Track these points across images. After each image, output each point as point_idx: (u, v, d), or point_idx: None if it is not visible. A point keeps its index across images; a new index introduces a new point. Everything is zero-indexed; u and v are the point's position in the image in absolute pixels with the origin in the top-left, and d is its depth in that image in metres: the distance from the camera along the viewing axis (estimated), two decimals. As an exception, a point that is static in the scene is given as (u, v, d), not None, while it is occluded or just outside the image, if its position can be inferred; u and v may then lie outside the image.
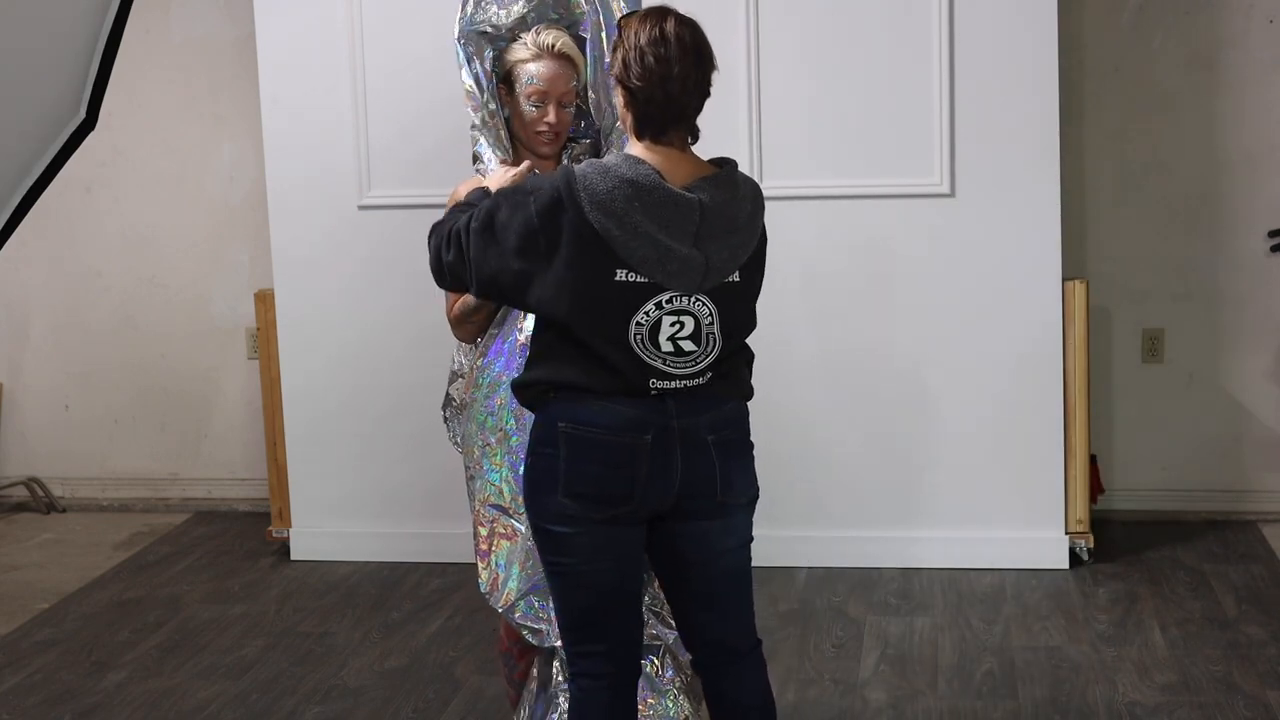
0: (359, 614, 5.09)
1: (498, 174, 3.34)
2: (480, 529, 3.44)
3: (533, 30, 3.41)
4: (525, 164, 3.36)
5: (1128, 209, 5.65)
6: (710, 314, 2.95)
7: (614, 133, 3.46)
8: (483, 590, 3.45)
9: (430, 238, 3.11)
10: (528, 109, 3.39)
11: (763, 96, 5.18)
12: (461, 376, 3.51)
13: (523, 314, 3.31)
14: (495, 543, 3.41)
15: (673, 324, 2.93)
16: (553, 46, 3.38)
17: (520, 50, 3.40)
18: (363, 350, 5.49)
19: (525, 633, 3.41)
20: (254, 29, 5.46)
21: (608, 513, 2.97)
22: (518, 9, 3.43)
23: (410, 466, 5.50)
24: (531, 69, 3.38)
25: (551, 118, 3.40)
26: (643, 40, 2.92)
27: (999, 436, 5.24)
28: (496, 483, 3.39)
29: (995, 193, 5.14)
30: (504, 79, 3.43)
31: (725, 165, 2.99)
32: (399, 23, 5.30)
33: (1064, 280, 5.16)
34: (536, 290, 2.92)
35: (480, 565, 3.45)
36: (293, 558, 5.63)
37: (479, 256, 2.97)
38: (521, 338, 3.32)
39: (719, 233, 2.92)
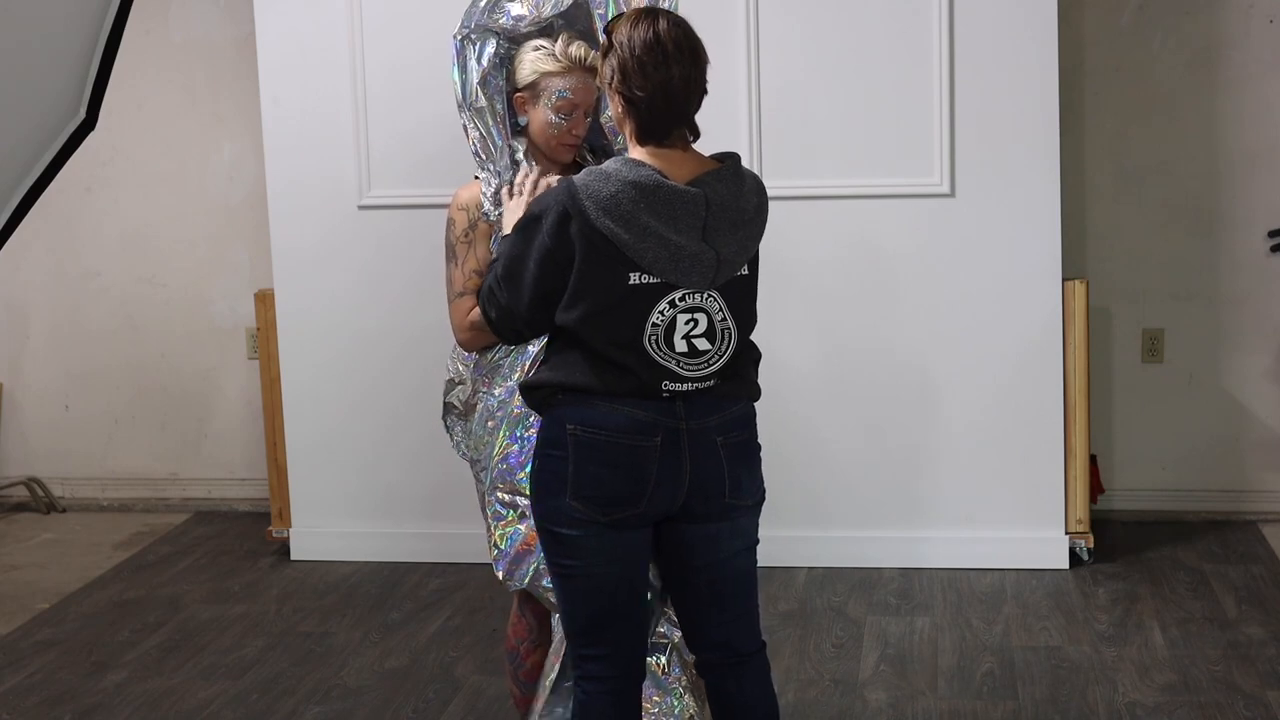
0: (359, 614, 5.08)
1: (513, 207, 3.32)
2: (491, 519, 3.46)
3: (559, 40, 3.36)
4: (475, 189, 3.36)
5: (1128, 209, 5.65)
6: (721, 309, 2.95)
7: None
8: (499, 571, 3.46)
9: (480, 305, 3.15)
10: (556, 121, 3.35)
11: (763, 96, 5.18)
12: (460, 384, 3.51)
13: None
14: (508, 526, 3.43)
15: (687, 322, 2.93)
16: (584, 60, 3.34)
17: (547, 61, 3.34)
18: (363, 350, 5.49)
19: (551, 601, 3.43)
20: (254, 29, 5.46)
21: (616, 515, 2.96)
22: (543, 13, 3.38)
23: (410, 466, 5.50)
24: (564, 83, 3.33)
25: (580, 130, 3.38)
26: (638, 47, 2.90)
27: (999, 436, 5.24)
28: (503, 468, 3.41)
29: (995, 193, 5.14)
30: (526, 88, 3.37)
31: (728, 160, 2.98)
32: (399, 22, 5.30)
33: (1064, 280, 5.16)
34: (560, 305, 2.94)
35: (494, 551, 3.46)
36: (293, 558, 5.63)
37: (514, 301, 2.99)
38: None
39: (727, 226, 2.92)
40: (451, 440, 3.60)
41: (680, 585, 3.12)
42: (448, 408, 3.57)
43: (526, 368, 3.38)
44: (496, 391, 3.42)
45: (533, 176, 3.33)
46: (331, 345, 5.51)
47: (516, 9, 3.38)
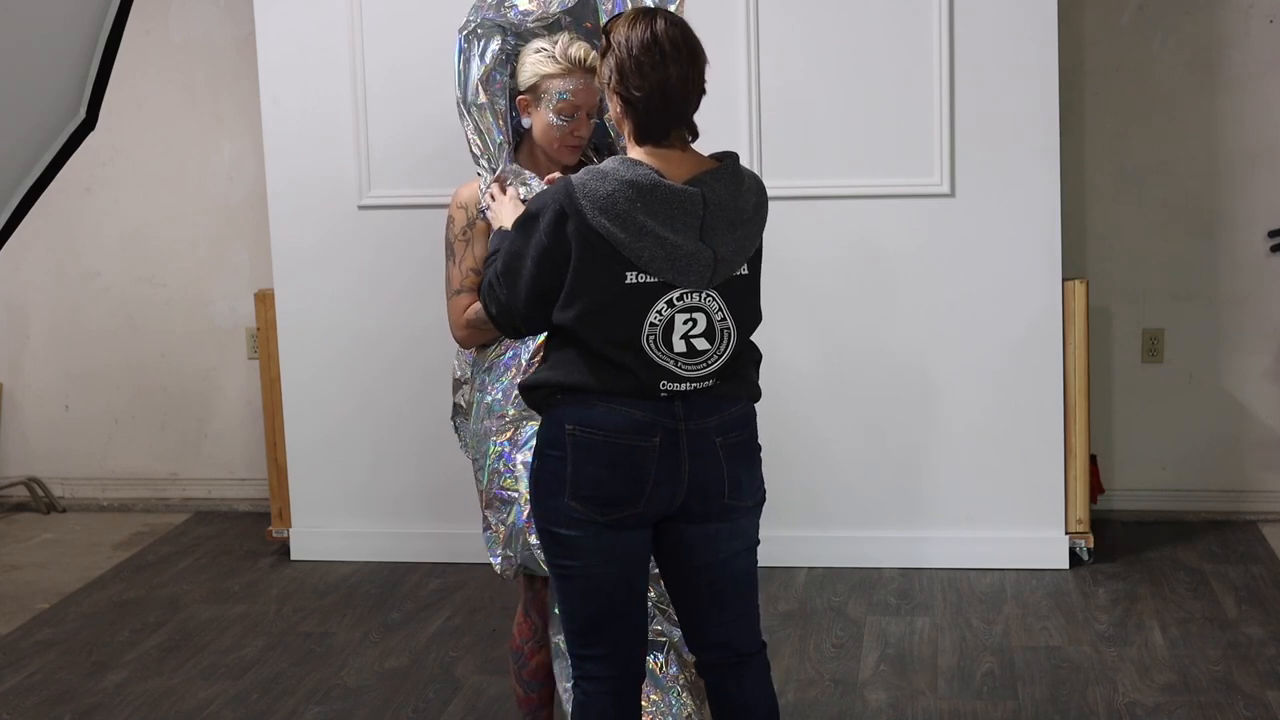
0: (359, 614, 5.08)
1: (498, 206, 3.32)
2: (489, 515, 3.46)
3: (559, 42, 3.37)
4: (494, 183, 3.35)
5: (1128, 209, 5.65)
6: (720, 309, 2.95)
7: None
8: (496, 567, 3.46)
9: (481, 300, 3.17)
10: (559, 123, 3.36)
11: (763, 96, 5.18)
12: (466, 384, 3.52)
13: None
14: (504, 521, 3.44)
15: (685, 321, 2.92)
16: (584, 61, 3.35)
17: (548, 64, 3.35)
18: (363, 350, 5.49)
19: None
20: (254, 29, 5.46)
21: (615, 515, 2.96)
22: (550, 9, 3.39)
23: (411, 467, 5.50)
24: (564, 85, 3.34)
25: (583, 131, 3.39)
26: (635, 47, 2.90)
27: (999, 436, 5.24)
28: (497, 467, 3.42)
29: (995, 193, 5.14)
30: (528, 90, 3.39)
31: (726, 159, 2.98)
32: (399, 22, 5.30)
33: (1064, 280, 5.16)
34: (557, 304, 2.94)
35: (492, 546, 3.47)
36: (293, 558, 5.63)
37: (513, 298, 3.00)
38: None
39: (724, 226, 2.92)
40: (460, 441, 3.60)
41: (680, 585, 3.11)
42: (455, 408, 3.57)
43: (523, 366, 3.38)
44: (492, 390, 3.43)
45: (505, 183, 3.33)
46: (331, 345, 5.51)
47: (524, 4, 3.38)
